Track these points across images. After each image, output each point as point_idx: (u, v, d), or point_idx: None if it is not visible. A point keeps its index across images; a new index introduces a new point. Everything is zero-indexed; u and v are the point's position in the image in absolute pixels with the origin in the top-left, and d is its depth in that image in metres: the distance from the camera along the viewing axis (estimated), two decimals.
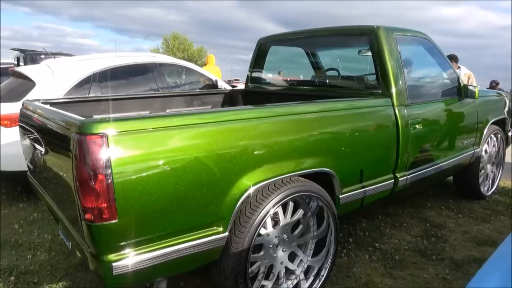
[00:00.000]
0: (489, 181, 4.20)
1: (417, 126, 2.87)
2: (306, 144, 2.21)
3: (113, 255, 1.61)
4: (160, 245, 1.71)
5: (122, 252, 1.63)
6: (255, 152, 1.95)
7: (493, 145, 4.12)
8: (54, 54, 7.13)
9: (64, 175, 1.87)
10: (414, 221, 3.56)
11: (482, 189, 4.05)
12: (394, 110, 2.73)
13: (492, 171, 4.23)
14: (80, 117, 1.74)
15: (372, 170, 2.62)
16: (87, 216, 1.56)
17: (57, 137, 1.89)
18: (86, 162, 1.53)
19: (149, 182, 1.62)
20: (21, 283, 2.60)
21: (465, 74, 6.37)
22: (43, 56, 7.59)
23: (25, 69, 4.45)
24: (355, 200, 2.54)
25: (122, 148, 1.57)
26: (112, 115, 1.61)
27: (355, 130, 2.48)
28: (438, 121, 3.17)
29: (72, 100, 3.05)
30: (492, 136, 4.04)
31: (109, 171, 1.53)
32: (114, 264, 1.60)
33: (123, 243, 1.62)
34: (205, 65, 7.90)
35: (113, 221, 1.56)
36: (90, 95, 4.16)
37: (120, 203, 1.56)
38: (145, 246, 1.68)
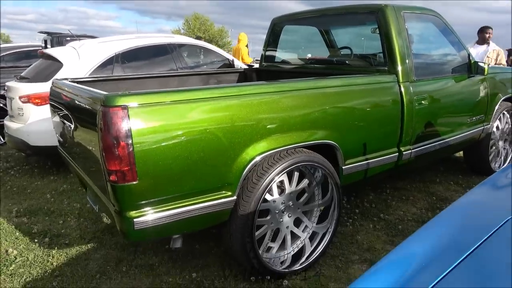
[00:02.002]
0: (500, 157, 4.27)
1: (422, 102, 2.99)
2: (310, 118, 2.38)
3: (134, 212, 1.86)
4: (175, 205, 1.95)
5: (142, 210, 1.88)
6: (262, 125, 2.15)
7: (506, 122, 4.17)
8: (79, 36, 7.43)
9: (91, 144, 2.12)
10: (422, 195, 3.70)
11: (493, 166, 4.13)
12: (399, 86, 2.86)
13: (504, 148, 4.29)
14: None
15: (375, 144, 2.77)
16: (112, 177, 1.80)
17: (84, 111, 2.13)
18: (110, 131, 1.76)
19: (165, 149, 1.85)
20: (55, 244, 2.93)
21: (494, 51, 6.21)
22: (68, 38, 7.93)
23: (53, 51, 4.74)
24: (358, 171, 2.71)
25: (141, 118, 1.80)
26: (132, 91, 1.84)
27: (359, 105, 2.64)
28: (444, 97, 3.27)
29: (97, 79, 3.30)
30: (505, 113, 4.09)
31: (130, 139, 1.76)
32: (135, 220, 1.85)
33: (143, 202, 1.87)
34: (238, 43, 7.96)
35: (134, 182, 1.81)
36: (113, 74, 4.41)
37: (140, 167, 1.80)
38: (162, 205, 1.92)
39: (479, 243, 1.07)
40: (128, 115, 1.76)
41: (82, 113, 2.20)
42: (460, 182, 4.03)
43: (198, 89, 2.03)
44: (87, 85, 3.12)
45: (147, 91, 1.89)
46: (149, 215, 1.89)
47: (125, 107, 1.77)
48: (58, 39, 8.23)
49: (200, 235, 2.91)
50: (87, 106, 2.06)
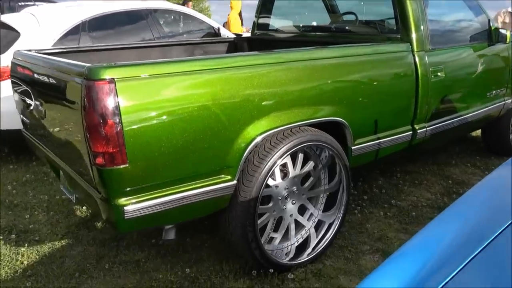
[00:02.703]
0: None
1: (438, 73, 3.09)
2: (316, 93, 2.45)
3: (124, 199, 1.92)
4: (169, 191, 2.01)
5: (132, 196, 1.94)
6: (263, 100, 2.21)
7: None
8: (36, 1, 7.29)
9: (70, 124, 2.15)
10: (436, 178, 3.85)
11: None
12: (414, 56, 2.94)
13: None
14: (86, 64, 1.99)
15: (388, 121, 2.87)
16: (98, 160, 1.85)
17: (60, 87, 2.16)
18: (95, 108, 1.80)
19: (158, 128, 1.90)
20: (23, 241, 2.96)
21: None
22: (22, 3, 7.78)
23: (7, 18, 4.68)
24: (369, 152, 2.81)
25: (130, 93, 1.84)
26: (119, 62, 1.89)
27: (369, 77, 2.72)
28: (463, 68, 3.38)
29: (65, 50, 3.30)
30: None
31: (118, 116, 1.80)
32: (125, 208, 1.91)
33: (134, 188, 1.93)
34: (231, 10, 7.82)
35: (124, 166, 1.86)
36: (80, 45, 4.39)
37: (130, 148, 1.85)
38: (156, 191, 1.98)
39: (500, 231, 1.14)
40: (116, 90, 1.80)
41: (57, 89, 2.22)
42: (477, 164, 4.18)
43: (195, 59, 2.10)
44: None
45: (137, 62, 1.94)
46: (140, 203, 1.95)
47: (112, 81, 1.80)
48: (9, 4, 8.07)
49: (190, 227, 2.98)
50: (65, 81, 2.08)
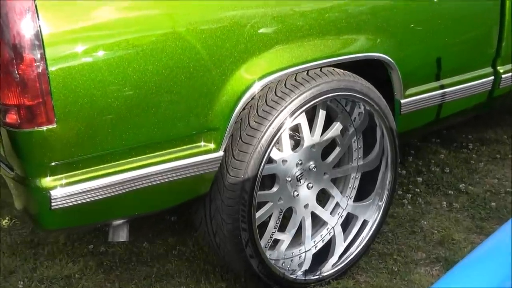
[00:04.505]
0: None
1: None
2: (344, 15, 2.47)
3: (50, 179, 1.94)
4: (120, 167, 2.04)
5: (64, 175, 1.96)
6: (260, 27, 2.23)
7: None
8: None
9: None
10: None
11: None
12: None
13: None
14: None
15: (456, 60, 2.92)
16: (10, 118, 1.87)
17: None
18: (4, 36, 1.81)
19: (102, 68, 1.91)
20: None
21: None
22: None
23: None
24: (427, 109, 2.86)
25: (58, 14, 1.86)
26: None
27: None
28: None
29: None
30: None
31: (40, 49, 1.81)
32: (52, 192, 1.93)
33: (65, 162, 1.95)
34: None
35: (50, 127, 1.87)
36: None
37: (59, 100, 1.86)
38: (99, 167, 2.00)
39: None
40: (36, 7, 1.80)
41: None
42: None
43: None
44: None
45: None
46: (75, 184, 1.97)
47: None
48: None
49: (149, 226, 3.03)
50: None
